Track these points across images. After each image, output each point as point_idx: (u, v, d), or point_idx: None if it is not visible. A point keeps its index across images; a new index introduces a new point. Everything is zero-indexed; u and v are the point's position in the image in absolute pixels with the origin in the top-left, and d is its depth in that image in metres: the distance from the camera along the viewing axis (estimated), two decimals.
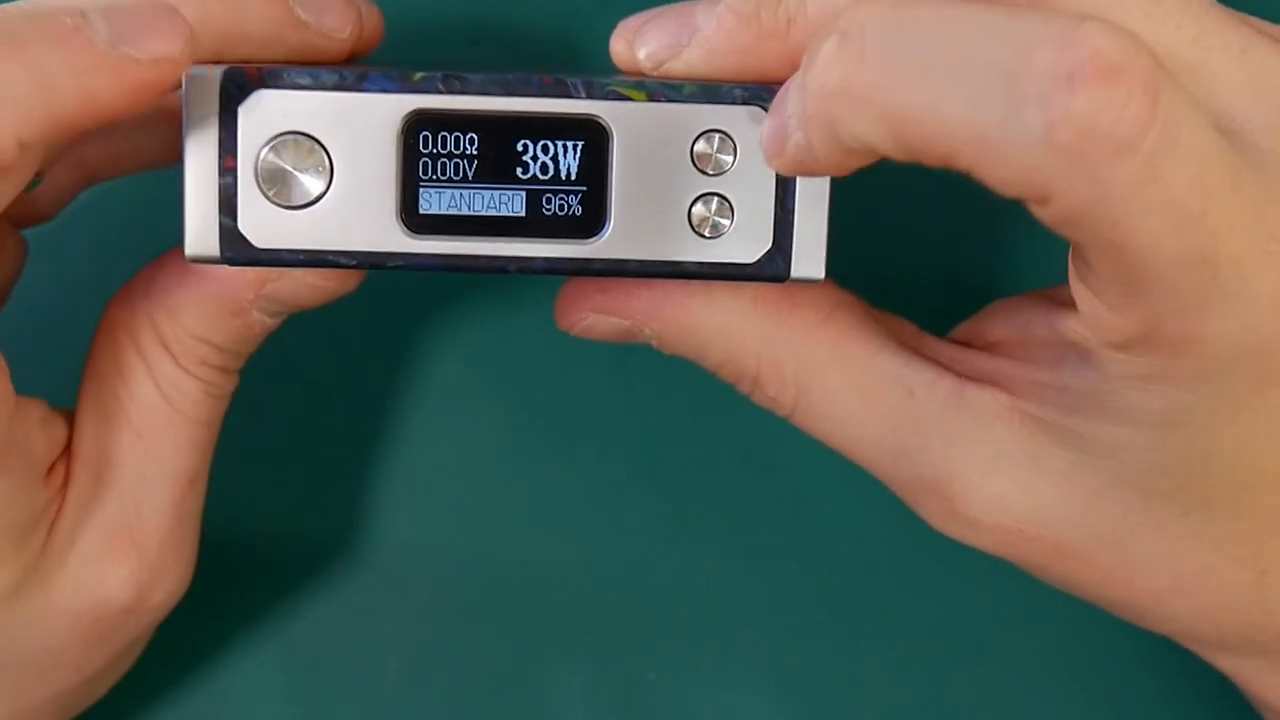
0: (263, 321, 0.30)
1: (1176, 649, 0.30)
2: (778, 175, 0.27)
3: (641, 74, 0.27)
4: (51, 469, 0.30)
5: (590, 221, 0.27)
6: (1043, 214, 0.22)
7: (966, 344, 0.31)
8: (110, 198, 0.35)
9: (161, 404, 0.30)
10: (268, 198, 0.26)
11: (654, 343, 0.30)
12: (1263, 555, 0.27)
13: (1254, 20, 0.27)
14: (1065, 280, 0.26)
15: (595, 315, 0.29)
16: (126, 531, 0.30)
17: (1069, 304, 0.26)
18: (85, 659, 0.31)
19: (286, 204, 0.26)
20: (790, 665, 0.38)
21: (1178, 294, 0.23)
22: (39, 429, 0.30)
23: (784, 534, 0.38)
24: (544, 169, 0.27)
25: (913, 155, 0.23)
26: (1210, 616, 0.28)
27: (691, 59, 0.27)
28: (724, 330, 0.29)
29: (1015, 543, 0.28)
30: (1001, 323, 0.30)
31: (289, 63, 0.28)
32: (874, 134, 0.23)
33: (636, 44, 0.27)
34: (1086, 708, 0.38)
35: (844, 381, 0.29)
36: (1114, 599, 0.29)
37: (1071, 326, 0.27)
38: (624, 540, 0.37)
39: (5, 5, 0.25)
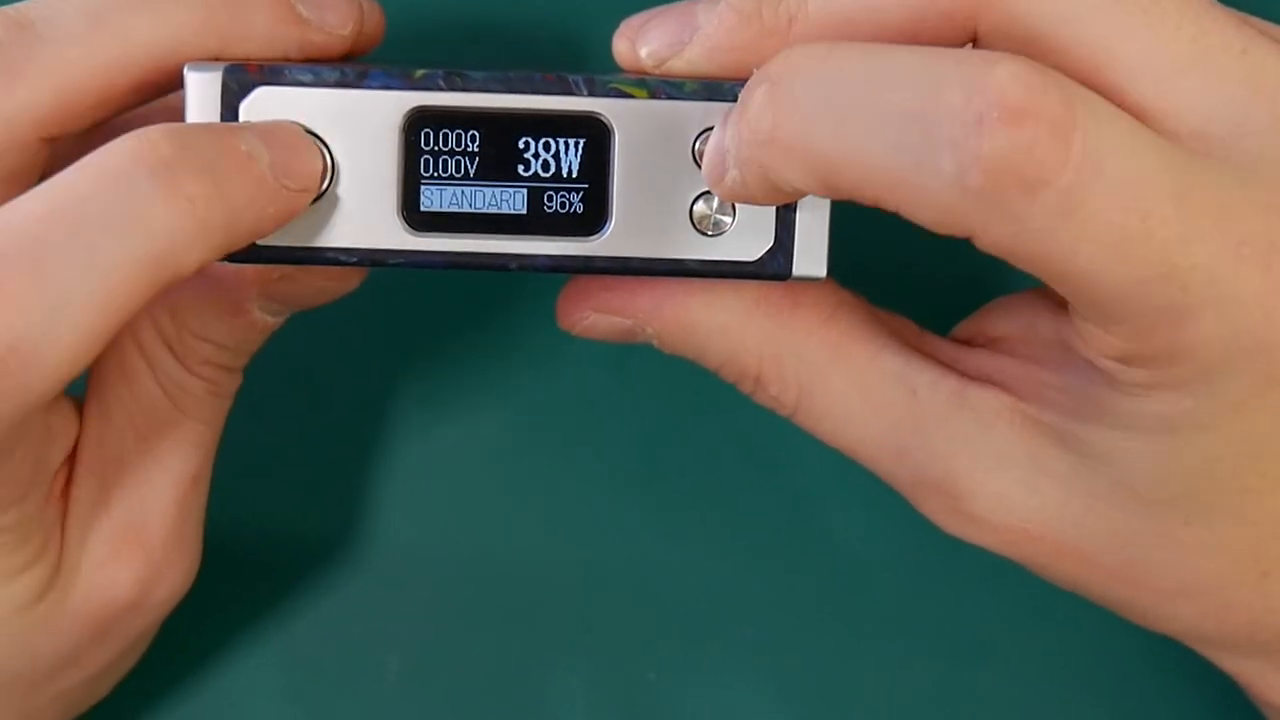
0: (265, 320, 0.30)
1: (1179, 648, 0.30)
2: None
3: (644, 72, 0.27)
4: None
5: (592, 219, 0.27)
6: (979, 247, 0.23)
7: (969, 340, 0.31)
8: None
9: (164, 403, 0.30)
10: None
11: (655, 342, 0.29)
12: (1266, 557, 0.27)
13: (1256, 20, 0.26)
14: None
15: (596, 314, 0.29)
16: (133, 531, 0.30)
17: None
18: (90, 657, 0.31)
19: None
20: (790, 665, 0.38)
21: (1147, 310, 0.23)
22: (60, 440, 0.30)
23: (784, 534, 0.37)
24: (545, 166, 0.27)
25: (842, 198, 0.24)
26: (1212, 616, 0.28)
27: (693, 56, 0.27)
28: (725, 329, 0.29)
29: (1019, 542, 0.28)
30: (1005, 319, 0.30)
31: (290, 60, 0.28)
32: (802, 180, 0.24)
33: (639, 42, 0.27)
34: (1089, 707, 0.38)
35: (846, 381, 0.29)
36: (1117, 599, 0.29)
37: (1073, 331, 0.27)
38: (624, 540, 0.37)
39: (180, 125, 0.25)
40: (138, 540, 0.30)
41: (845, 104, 0.23)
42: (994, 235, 0.23)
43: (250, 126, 0.26)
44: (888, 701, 0.38)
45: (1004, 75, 0.22)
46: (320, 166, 0.26)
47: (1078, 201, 0.22)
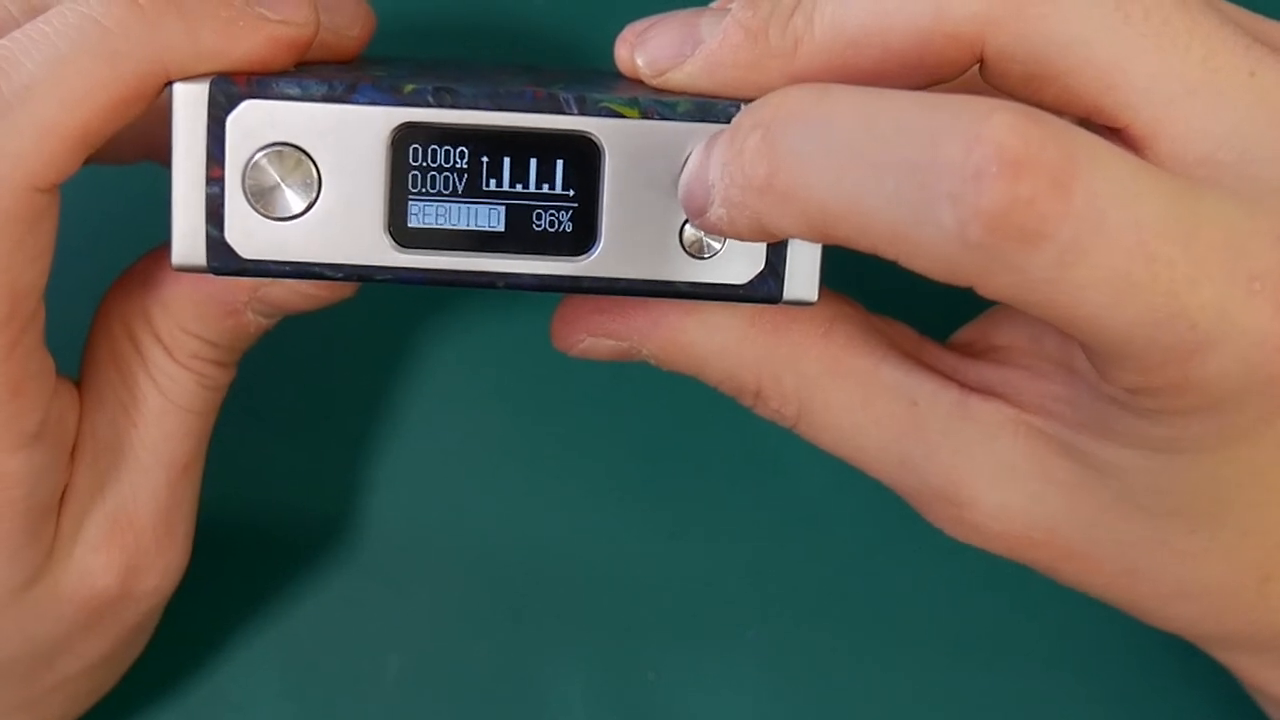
0: (257, 321, 0.30)
1: (1179, 649, 0.30)
2: None
3: (642, 80, 0.27)
4: None
5: (581, 239, 0.26)
6: (981, 295, 0.23)
7: (971, 345, 0.30)
8: (109, 187, 0.34)
9: (155, 393, 0.30)
10: (255, 209, 0.26)
11: (653, 361, 0.29)
12: (1267, 564, 0.27)
13: (1269, 28, 0.26)
14: None
15: (592, 338, 0.29)
16: (124, 516, 0.30)
17: None
18: (85, 646, 0.31)
19: (274, 215, 0.26)
20: (790, 665, 0.38)
21: (1155, 349, 0.23)
22: (70, 409, 0.30)
23: (784, 534, 0.37)
24: (535, 185, 0.26)
25: (836, 244, 0.23)
26: (1213, 617, 0.29)
27: (694, 70, 0.26)
28: (722, 349, 0.29)
29: (1024, 548, 0.28)
30: (1010, 329, 0.30)
31: (277, 73, 0.27)
32: (796, 229, 0.23)
33: (637, 50, 0.27)
34: (1088, 706, 0.38)
35: (846, 394, 0.29)
36: (1119, 599, 0.29)
37: (1081, 356, 0.27)
38: (624, 540, 0.37)
39: None
40: (129, 525, 0.30)
41: (842, 154, 0.22)
42: (995, 286, 0.22)
43: None
44: (887, 701, 0.38)
45: (1001, 126, 0.21)
46: (312, 7, 0.27)
47: (1081, 252, 0.21)
